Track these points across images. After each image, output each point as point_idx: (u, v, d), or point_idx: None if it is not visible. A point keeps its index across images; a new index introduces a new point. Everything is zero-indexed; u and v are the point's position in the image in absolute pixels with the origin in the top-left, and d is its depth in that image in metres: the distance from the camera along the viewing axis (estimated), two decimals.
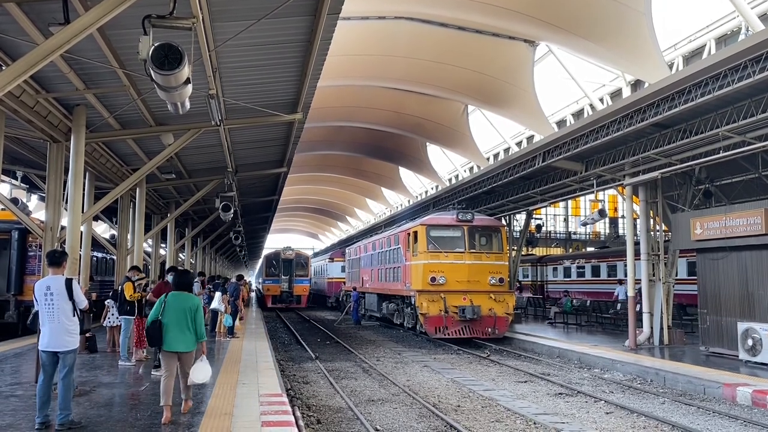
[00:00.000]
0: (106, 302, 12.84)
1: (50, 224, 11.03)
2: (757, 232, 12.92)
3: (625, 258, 17.75)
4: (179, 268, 15.23)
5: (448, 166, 40.22)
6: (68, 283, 6.47)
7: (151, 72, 6.36)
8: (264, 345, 15.18)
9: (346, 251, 36.06)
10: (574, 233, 56.72)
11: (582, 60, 23.34)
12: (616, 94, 25.55)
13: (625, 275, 19.78)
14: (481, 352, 16.84)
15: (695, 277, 16.29)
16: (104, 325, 13.13)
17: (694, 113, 12.68)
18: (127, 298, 10.89)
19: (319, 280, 45.07)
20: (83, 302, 6.63)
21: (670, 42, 22.99)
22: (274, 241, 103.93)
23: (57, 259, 6.58)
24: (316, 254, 60.46)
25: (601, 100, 26.22)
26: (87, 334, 12.27)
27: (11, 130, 10.72)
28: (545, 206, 25.01)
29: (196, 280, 16.37)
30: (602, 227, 55.41)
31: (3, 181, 16.61)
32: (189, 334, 7.04)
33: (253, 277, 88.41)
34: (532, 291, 36.77)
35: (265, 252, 52.78)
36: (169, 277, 13.29)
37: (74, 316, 6.48)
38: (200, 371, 7.23)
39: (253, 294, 53.72)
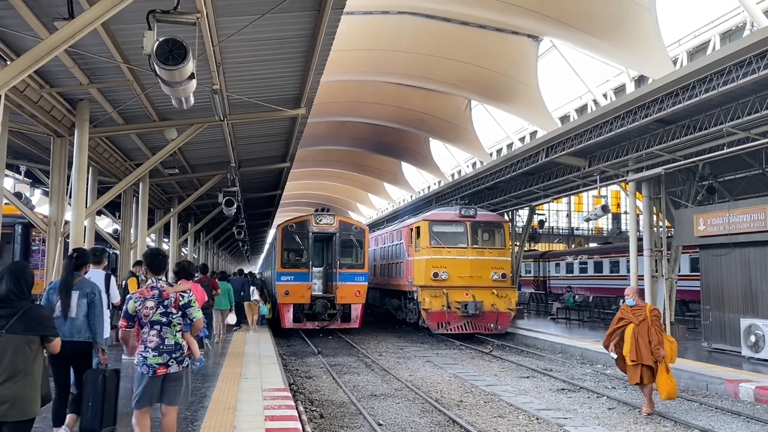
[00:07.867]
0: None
1: (54, 219, 11.03)
2: (760, 228, 12.90)
3: (628, 254, 17.73)
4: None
5: (451, 161, 40.15)
6: (107, 277, 7.06)
7: (156, 67, 6.37)
8: (267, 339, 15.23)
9: None
10: (577, 229, 56.72)
11: (586, 55, 23.28)
12: (619, 90, 25.49)
13: (628, 271, 19.77)
14: (483, 348, 16.87)
15: (698, 274, 16.30)
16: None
17: (698, 109, 12.64)
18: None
19: None
20: (116, 297, 7.30)
21: (675, 37, 22.92)
22: None
23: (98, 257, 7.24)
24: None
25: (605, 95, 26.16)
26: None
27: (15, 124, 10.72)
28: (548, 202, 24.95)
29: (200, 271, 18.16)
30: (605, 223, 55.39)
31: (7, 175, 16.64)
32: (227, 301, 14.57)
33: (256, 267, 70.96)
34: (534, 287, 36.78)
35: (278, 222, 27.41)
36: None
37: (107, 308, 6.99)
38: (231, 318, 15.71)
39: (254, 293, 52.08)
